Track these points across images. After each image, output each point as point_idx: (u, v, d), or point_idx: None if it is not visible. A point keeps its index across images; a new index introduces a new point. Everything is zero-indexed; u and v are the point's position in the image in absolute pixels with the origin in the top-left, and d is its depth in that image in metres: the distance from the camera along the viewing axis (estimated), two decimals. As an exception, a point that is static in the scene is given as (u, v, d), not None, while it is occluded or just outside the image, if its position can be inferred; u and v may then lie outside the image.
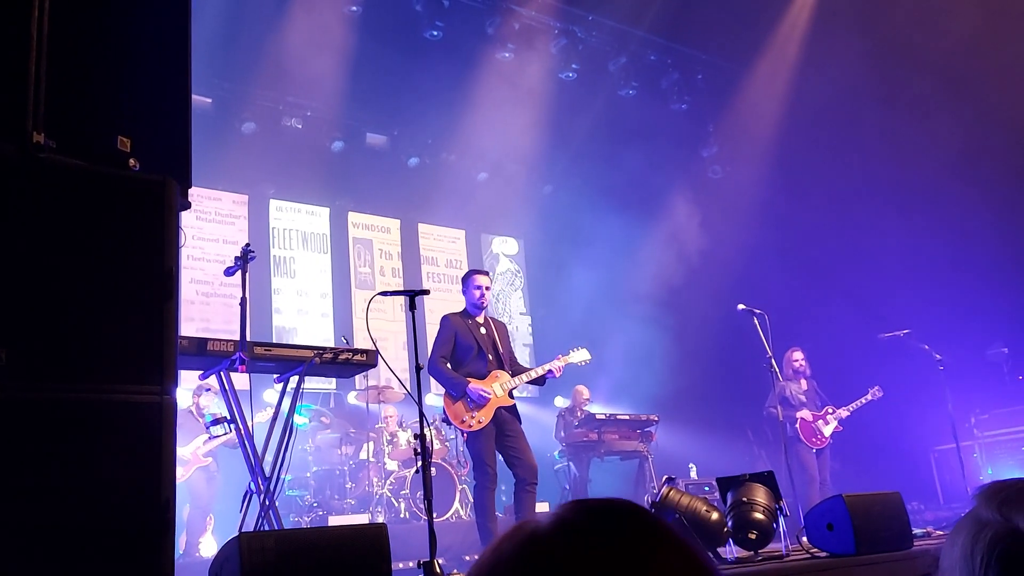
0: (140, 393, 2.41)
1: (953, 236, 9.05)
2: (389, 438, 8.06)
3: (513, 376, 5.69)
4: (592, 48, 10.33)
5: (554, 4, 9.79)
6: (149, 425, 2.41)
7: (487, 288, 5.81)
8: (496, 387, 5.59)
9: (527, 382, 5.82)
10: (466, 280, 5.90)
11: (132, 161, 2.67)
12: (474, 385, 5.51)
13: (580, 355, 6.11)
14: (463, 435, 5.61)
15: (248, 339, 4.27)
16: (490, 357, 5.69)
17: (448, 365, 5.65)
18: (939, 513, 7.89)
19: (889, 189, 9.44)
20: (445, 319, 5.84)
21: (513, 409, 5.68)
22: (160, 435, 2.42)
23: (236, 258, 4.49)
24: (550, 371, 5.82)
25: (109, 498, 2.30)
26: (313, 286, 10.46)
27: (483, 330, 5.78)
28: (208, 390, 7.24)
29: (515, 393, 5.70)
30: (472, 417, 5.48)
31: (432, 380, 6.54)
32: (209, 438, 7.01)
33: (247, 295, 4.44)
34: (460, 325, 5.74)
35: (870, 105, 9.55)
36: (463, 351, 5.68)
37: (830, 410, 8.05)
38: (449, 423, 5.64)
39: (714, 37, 10.29)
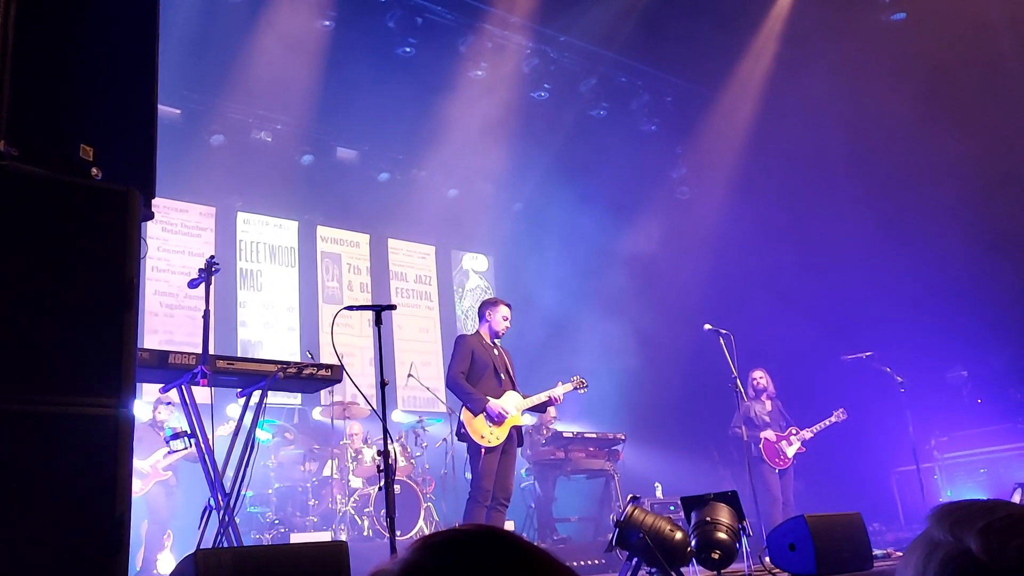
0: (96, 406, 2.37)
1: (915, 261, 9.21)
2: (354, 455, 7.97)
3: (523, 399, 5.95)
4: (564, 68, 10.41)
5: (526, 24, 9.85)
6: (105, 439, 2.37)
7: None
8: (511, 407, 5.79)
9: (533, 407, 6.04)
10: (492, 307, 6.14)
11: (95, 170, 2.63)
12: (493, 403, 5.71)
13: (578, 383, 6.32)
14: (480, 451, 5.65)
15: (211, 352, 4.21)
16: (504, 378, 5.94)
17: (466, 381, 5.82)
18: (900, 534, 7.97)
19: (853, 214, 9.59)
20: (462, 338, 6.13)
21: (520, 430, 5.92)
22: (116, 449, 2.37)
23: (200, 270, 4.44)
24: (552, 398, 6.06)
25: (62, 513, 2.25)
26: (280, 300, 10.36)
27: (496, 352, 6.04)
28: (168, 403, 7.12)
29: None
30: (492, 433, 5.67)
31: (389, 396, 6.49)
32: (168, 452, 6.88)
33: (210, 308, 4.38)
34: (476, 345, 5.99)
35: (836, 130, 9.71)
36: (479, 369, 5.89)
37: (794, 431, 8.12)
38: (464, 438, 5.75)
39: (683, 61, 10.42)
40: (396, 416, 9.75)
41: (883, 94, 9.12)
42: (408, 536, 7.33)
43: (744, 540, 4.78)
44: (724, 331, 6.68)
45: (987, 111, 8.90)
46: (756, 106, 10.58)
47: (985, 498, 0.94)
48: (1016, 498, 6.19)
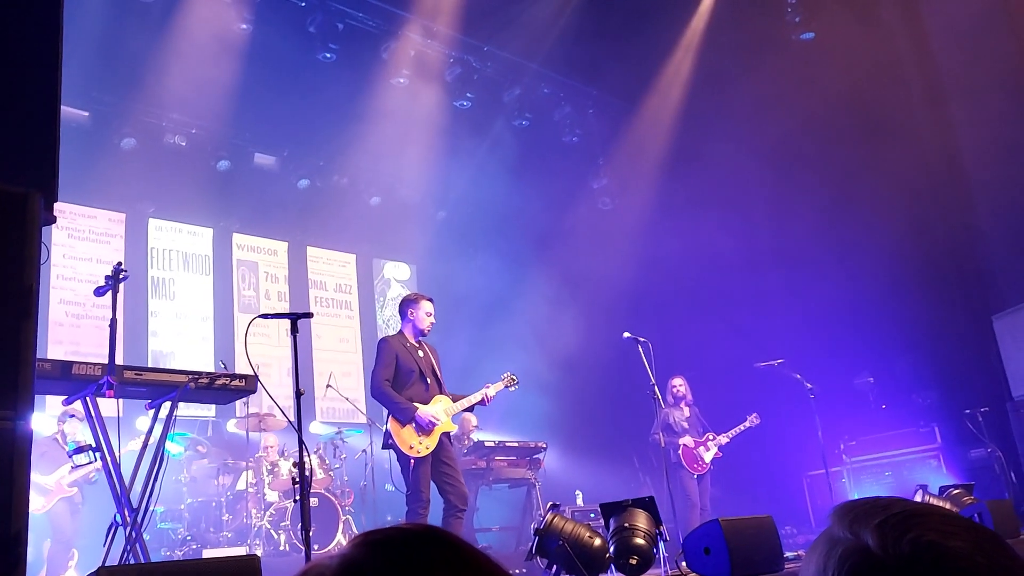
0: (-10, 419, 2.24)
1: (824, 273, 9.55)
2: (269, 468, 7.79)
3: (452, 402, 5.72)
4: (487, 78, 10.46)
5: (450, 33, 9.86)
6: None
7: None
8: (441, 413, 5.56)
9: (464, 409, 5.83)
10: (414, 304, 5.82)
11: (-9, 171, 2.50)
12: (423, 411, 5.46)
13: (509, 381, 6.12)
14: (410, 462, 5.43)
15: (119, 362, 4.05)
16: (430, 381, 5.68)
17: (391, 388, 5.55)
18: (810, 536, 8.21)
19: (767, 225, 9.91)
20: (384, 342, 5.77)
21: (449, 435, 5.67)
22: (11, 463, 2.25)
23: (107, 277, 4.27)
24: (484, 398, 5.82)
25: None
26: (193, 309, 10.05)
27: (421, 353, 5.75)
28: (72, 416, 6.82)
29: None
30: (421, 443, 5.42)
31: (307, 407, 6.33)
32: (73, 467, 6.59)
33: (117, 316, 4.22)
34: (400, 348, 5.67)
35: (751, 143, 10.01)
36: (404, 375, 5.61)
37: (711, 436, 8.30)
38: (392, 448, 5.52)
39: (604, 73, 10.61)
40: (314, 427, 9.58)
41: (797, 108, 9.45)
42: (326, 550, 7.19)
43: (661, 545, 4.84)
44: (643, 339, 6.77)
45: (898, 127, 9.29)
46: (675, 119, 10.84)
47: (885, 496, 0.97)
48: (917, 499, 6.46)
